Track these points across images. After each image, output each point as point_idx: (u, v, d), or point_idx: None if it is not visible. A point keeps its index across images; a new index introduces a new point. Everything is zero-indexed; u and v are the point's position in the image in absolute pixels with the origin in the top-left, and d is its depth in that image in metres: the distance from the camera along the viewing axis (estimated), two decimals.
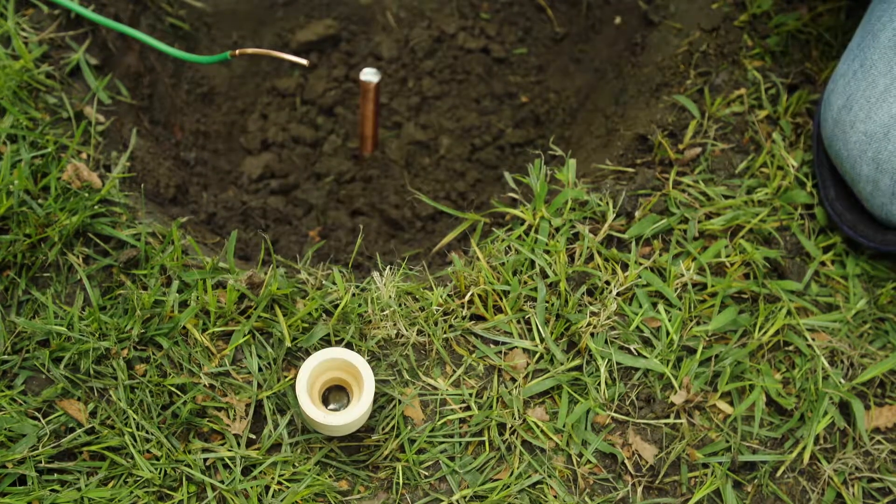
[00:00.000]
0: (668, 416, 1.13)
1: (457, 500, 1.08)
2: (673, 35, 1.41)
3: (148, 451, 1.09)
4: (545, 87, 1.56)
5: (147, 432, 1.09)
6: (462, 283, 1.18)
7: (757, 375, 1.15)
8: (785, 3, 1.39)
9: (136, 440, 1.09)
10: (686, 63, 1.37)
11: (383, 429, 1.12)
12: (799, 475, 1.12)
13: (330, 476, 1.09)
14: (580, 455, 1.11)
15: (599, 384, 1.13)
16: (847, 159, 1.17)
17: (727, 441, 1.12)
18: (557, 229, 1.22)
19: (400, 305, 1.17)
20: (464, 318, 1.16)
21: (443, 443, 1.11)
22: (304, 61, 1.25)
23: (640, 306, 1.18)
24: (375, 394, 1.12)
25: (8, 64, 1.27)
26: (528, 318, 1.17)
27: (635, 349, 1.15)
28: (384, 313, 1.17)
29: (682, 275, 1.19)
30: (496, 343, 1.16)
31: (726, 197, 1.25)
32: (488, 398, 1.13)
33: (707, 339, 1.17)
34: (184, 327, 1.14)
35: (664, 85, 1.37)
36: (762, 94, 1.32)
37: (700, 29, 1.39)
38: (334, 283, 1.19)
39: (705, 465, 1.11)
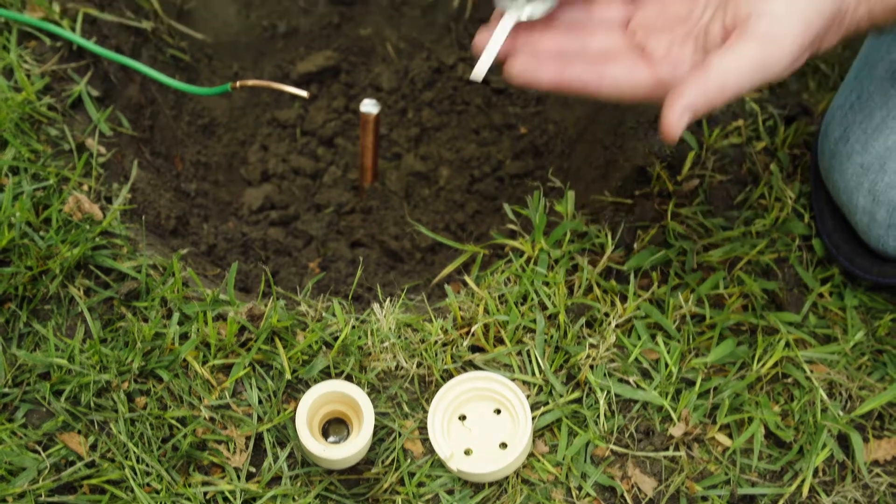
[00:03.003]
0: (667, 449, 1.13)
1: None
2: None
3: (148, 485, 1.09)
4: (544, 119, 1.57)
5: (147, 465, 1.09)
6: (458, 316, 1.18)
7: (756, 408, 1.15)
8: None
9: (136, 473, 1.09)
10: None
11: (383, 462, 1.12)
12: None
13: None
14: (579, 488, 1.11)
15: (599, 416, 1.14)
16: (844, 191, 1.18)
17: (726, 474, 1.12)
18: (556, 261, 1.23)
19: (399, 337, 1.18)
20: (463, 346, 1.17)
21: (442, 476, 1.11)
22: (304, 93, 1.26)
23: (639, 338, 1.18)
24: (375, 426, 1.12)
25: (10, 96, 1.27)
26: (528, 349, 1.17)
27: (634, 381, 1.16)
28: (384, 345, 1.17)
29: (681, 306, 1.20)
30: None
31: (724, 228, 1.26)
32: None
33: (706, 370, 1.17)
34: (184, 360, 1.15)
35: None
36: (760, 126, 1.33)
37: None
38: (334, 315, 1.19)
39: (704, 499, 1.11)
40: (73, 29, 1.36)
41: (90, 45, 1.35)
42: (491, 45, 1.02)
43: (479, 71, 1.01)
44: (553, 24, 1.05)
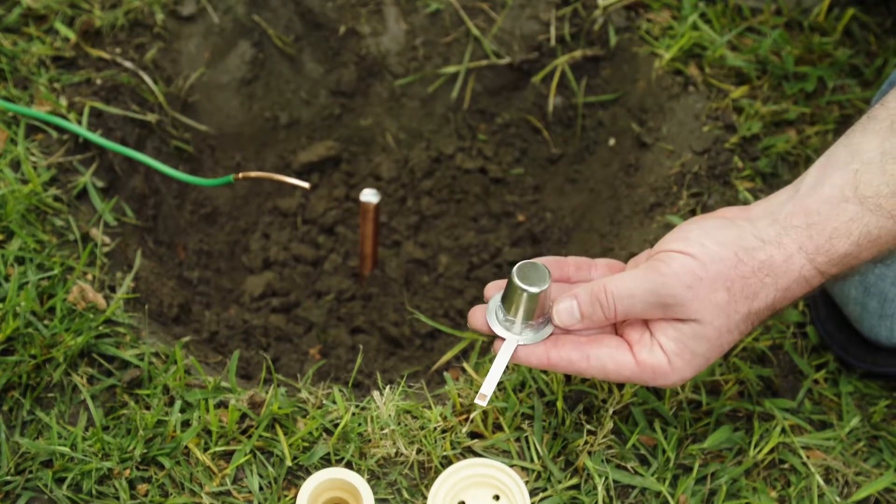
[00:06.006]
0: None
1: None
2: (665, 157, 1.45)
3: None
4: (541, 207, 1.59)
5: None
6: (457, 402, 1.19)
7: (753, 494, 1.15)
8: (773, 126, 1.42)
9: None
10: (678, 184, 1.40)
11: None
12: None
13: None
14: None
15: (597, 502, 1.14)
16: (835, 283, 1.20)
17: None
18: None
19: (399, 424, 1.18)
20: (462, 433, 1.18)
21: None
22: (305, 185, 1.28)
23: (637, 424, 1.19)
24: None
25: (17, 188, 1.30)
26: (527, 436, 1.18)
27: (632, 467, 1.16)
28: (384, 432, 1.18)
29: (678, 393, 1.21)
30: None
31: None
32: None
33: (703, 456, 1.18)
34: (186, 447, 1.16)
35: (657, 205, 1.40)
36: None
37: (692, 151, 1.42)
38: (334, 402, 1.20)
39: None
40: (79, 122, 1.39)
41: (96, 137, 1.37)
42: (494, 369, 1.07)
43: (486, 392, 1.07)
44: None
